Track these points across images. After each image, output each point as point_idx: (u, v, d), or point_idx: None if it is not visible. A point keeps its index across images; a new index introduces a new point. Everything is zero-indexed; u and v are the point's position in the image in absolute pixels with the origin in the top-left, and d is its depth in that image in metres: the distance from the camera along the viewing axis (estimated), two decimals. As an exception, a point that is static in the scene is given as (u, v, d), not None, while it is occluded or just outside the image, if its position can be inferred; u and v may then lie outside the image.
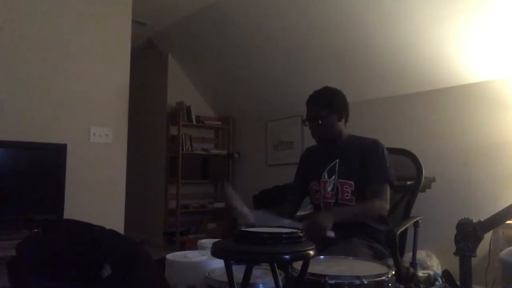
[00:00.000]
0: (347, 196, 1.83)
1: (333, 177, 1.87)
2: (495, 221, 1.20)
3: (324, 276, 1.10)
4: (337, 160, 1.88)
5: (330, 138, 1.92)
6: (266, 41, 4.23)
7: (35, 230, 1.30)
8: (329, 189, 1.87)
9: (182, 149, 5.10)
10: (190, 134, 5.26)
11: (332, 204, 1.86)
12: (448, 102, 3.35)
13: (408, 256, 1.94)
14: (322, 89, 1.94)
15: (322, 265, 1.25)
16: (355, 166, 1.85)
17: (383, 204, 1.79)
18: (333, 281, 1.09)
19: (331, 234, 1.62)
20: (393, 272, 1.17)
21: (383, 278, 1.13)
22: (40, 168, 2.78)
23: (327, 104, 1.88)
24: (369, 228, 1.81)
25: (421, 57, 3.31)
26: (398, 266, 1.65)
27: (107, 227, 1.28)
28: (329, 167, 1.89)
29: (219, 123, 5.56)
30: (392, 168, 1.85)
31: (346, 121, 1.95)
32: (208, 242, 1.72)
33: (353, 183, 1.83)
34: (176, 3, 4.27)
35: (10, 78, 2.83)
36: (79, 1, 3.18)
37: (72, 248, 1.14)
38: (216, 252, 0.97)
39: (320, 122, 1.87)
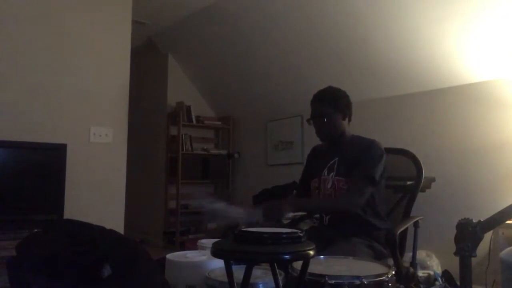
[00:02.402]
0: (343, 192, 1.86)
1: (331, 174, 1.91)
2: (495, 221, 1.20)
3: (324, 276, 1.10)
4: (337, 159, 1.92)
5: (334, 136, 1.95)
6: (266, 41, 4.23)
7: (35, 230, 1.29)
8: (328, 186, 1.90)
9: (182, 149, 5.10)
10: (190, 134, 5.26)
11: None
12: (448, 102, 3.35)
13: (408, 256, 1.94)
14: (326, 88, 1.98)
15: (322, 265, 1.25)
16: (352, 164, 1.87)
17: (357, 199, 1.79)
18: (333, 281, 1.09)
19: (288, 215, 1.76)
20: (393, 272, 1.17)
21: (383, 278, 1.13)
22: (40, 168, 2.78)
23: (332, 102, 1.92)
24: (369, 227, 1.82)
25: (421, 57, 3.31)
26: (398, 266, 1.65)
27: (107, 227, 1.28)
28: (329, 164, 1.93)
29: (219, 123, 5.56)
30: (381, 169, 1.83)
31: (349, 121, 1.98)
32: (208, 242, 1.72)
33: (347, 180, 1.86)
34: (176, 3, 4.27)
35: (10, 78, 2.83)
36: (78, 1, 3.18)
37: (72, 248, 1.14)
38: (216, 252, 0.97)
39: (325, 120, 1.90)
